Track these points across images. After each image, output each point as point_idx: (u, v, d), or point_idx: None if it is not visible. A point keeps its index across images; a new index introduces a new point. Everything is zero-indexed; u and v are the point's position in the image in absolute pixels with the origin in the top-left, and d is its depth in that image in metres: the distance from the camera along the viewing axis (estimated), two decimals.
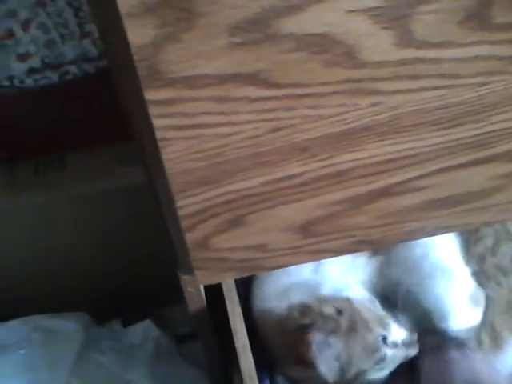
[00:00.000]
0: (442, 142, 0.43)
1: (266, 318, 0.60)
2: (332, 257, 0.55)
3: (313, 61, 0.35)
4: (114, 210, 0.78)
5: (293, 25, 0.33)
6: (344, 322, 0.57)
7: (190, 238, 0.45)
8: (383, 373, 0.58)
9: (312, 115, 0.38)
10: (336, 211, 0.47)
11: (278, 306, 0.59)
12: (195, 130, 0.36)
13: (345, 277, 0.61)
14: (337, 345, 0.56)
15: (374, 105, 0.38)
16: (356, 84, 0.36)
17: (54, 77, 0.78)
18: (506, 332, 0.58)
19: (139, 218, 0.77)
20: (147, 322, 0.86)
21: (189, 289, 0.55)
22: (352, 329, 0.57)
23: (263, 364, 0.66)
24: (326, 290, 0.59)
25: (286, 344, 0.58)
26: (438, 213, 0.50)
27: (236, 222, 0.45)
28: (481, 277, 0.58)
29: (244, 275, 0.56)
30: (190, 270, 0.50)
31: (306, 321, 0.57)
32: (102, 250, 0.85)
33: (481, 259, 0.59)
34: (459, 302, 0.56)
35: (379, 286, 0.60)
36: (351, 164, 0.42)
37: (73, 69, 0.77)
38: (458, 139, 0.43)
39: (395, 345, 0.56)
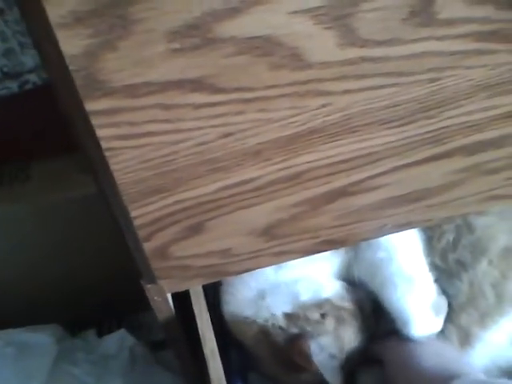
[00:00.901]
0: (395, 140, 0.43)
1: (244, 326, 0.60)
2: (296, 258, 0.54)
3: (257, 64, 0.34)
4: (81, 219, 0.77)
5: (234, 28, 0.32)
6: (330, 322, 0.58)
7: (148, 247, 0.44)
8: None
9: (262, 119, 0.37)
10: (296, 213, 0.46)
11: (256, 314, 0.59)
12: (142, 138, 0.35)
13: (318, 275, 0.61)
14: (328, 344, 0.57)
15: (323, 106, 0.38)
16: (304, 86, 0.36)
17: (13, 86, 0.77)
18: (473, 327, 0.58)
19: (106, 226, 0.75)
20: (122, 332, 0.85)
21: (155, 298, 0.54)
22: (338, 326, 0.58)
23: (236, 367, 0.66)
24: (305, 295, 0.59)
25: (272, 352, 0.59)
26: (398, 210, 0.50)
27: (195, 229, 0.45)
28: (443, 273, 0.58)
29: (210, 281, 0.55)
30: (152, 279, 0.49)
31: (294, 330, 0.58)
32: (71, 259, 0.83)
33: (443, 255, 0.59)
34: (420, 310, 0.56)
35: (347, 279, 0.61)
36: (306, 166, 0.42)
37: (32, 77, 0.76)
38: (411, 136, 0.43)
39: None
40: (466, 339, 0.58)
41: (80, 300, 0.86)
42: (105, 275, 0.83)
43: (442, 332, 0.58)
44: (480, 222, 0.60)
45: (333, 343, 0.58)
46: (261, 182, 0.42)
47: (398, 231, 0.55)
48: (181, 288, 0.54)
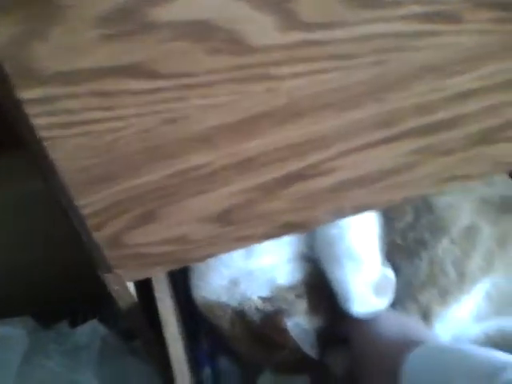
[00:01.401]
0: (345, 124, 0.43)
1: (218, 309, 0.60)
2: (257, 242, 0.54)
3: (196, 49, 0.34)
4: (46, 211, 0.76)
5: (169, 12, 0.32)
6: (303, 303, 0.59)
7: (99, 237, 0.44)
8: None
9: (206, 105, 0.37)
10: (251, 198, 0.46)
11: (230, 299, 0.60)
12: (81, 126, 0.35)
13: (291, 260, 0.61)
14: (302, 322, 0.59)
15: (269, 90, 0.37)
16: (246, 70, 0.36)
17: None
18: (433, 305, 0.59)
19: None
20: (94, 322, 0.85)
21: (115, 287, 0.54)
22: (314, 306, 0.59)
23: (205, 352, 0.67)
24: (281, 279, 0.60)
25: (248, 332, 0.59)
26: (355, 192, 0.50)
27: (147, 218, 0.44)
28: (403, 252, 0.59)
29: (172, 268, 0.55)
30: (108, 269, 0.49)
31: (271, 309, 0.58)
32: (39, 249, 0.83)
33: (403, 234, 0.59)
34: (361, 289, 0.57)
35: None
36: (256, 151, 0.42)
37: None
38: (360, 120, 0.43)
39: None
40: (426, 317, 0.59)
41: (53, 291, 0.85)
42: (77, 264, 0.82)
43: (404, 310, 0.59)
44: (441, 202, 0.61)
45: (306, 322, 0.59)
46: (210, 169, 0.42)
47: (357, 213, 0.55)
48: (140, 276, 0.54)
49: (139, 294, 0.59)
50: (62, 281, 0.86)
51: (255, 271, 0.59)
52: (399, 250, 0.60)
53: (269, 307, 0.58)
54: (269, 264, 0.60)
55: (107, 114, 0.35)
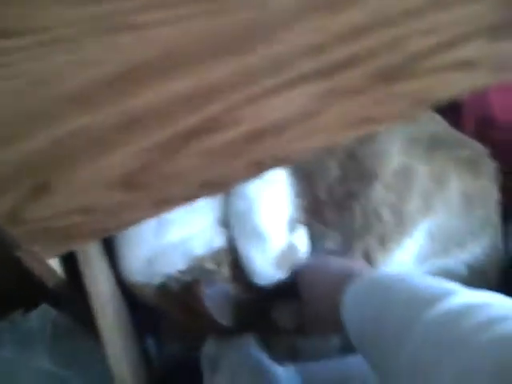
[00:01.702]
0: (234, 71, 0.41)
1: (142, 289, 0.60)
2: (179, 205, 0.53)
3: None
4: None
5: None
6: (226, 270, 0.59)
7: None
8: None
9: (71, 61, 0.35)
10: (150, 160, 0.45)
11: (151, 279, 0.59)
12: None
13: (208, 228, 0.60)
14: (226, 290, 0.59)
15: (136, 41, 0.35)
16: (104, 20, 0.34)
17: None
18: (373, 253, 0.58)
19: None
20: (44, 306, 0.84)
21: (34, 265, 0.52)
22: (235, 272, 0.59)
23: (147, 325, 0.66)
24: (199, 249, 0.59)
25: (175, 305, 0.60)
26: (266, 143, 0.49)
27: (41, 189, 0.43)
28: (330, 207, 0.58)
29: (91, 241, 0.54)
30: (19, 247, 0.47)
31: (190, 279, 0.58)
32: None
33: (329, 190, 0.58)
34: (264, 266, 0.57)
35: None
36: (142, 108, 0.40)
37: None
38: (250, 66, 0.41)
39: None
40: (369, 264, 0.58)
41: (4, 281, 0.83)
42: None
43: None
44: (366, 150, 0.60)
45: (232, 288, 0.60)
46: (97, 130, 0.40)
47: (275, 166, 0.54)
48: (58, 252, 0.53)
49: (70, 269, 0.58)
50: (11, 270, 0.84)
51: (170, 246, 0.58)
52: (328, 205, 0.59)
53: (188, 278, 0.57)
54: (183, 237, 0.59)
55: None
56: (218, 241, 0.59)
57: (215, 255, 0.59)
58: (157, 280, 0.59)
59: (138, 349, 0.65)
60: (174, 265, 0.58)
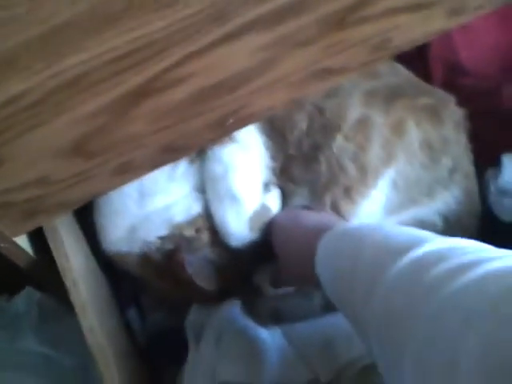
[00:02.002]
0: (173, 23, 0.40)
1: (124, 259, 0.60)
2: (143, 173, 0.52)
3: None
4: None
5: None
6: (205, 236, 0.59)
7: None
8: None
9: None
10: (100, 124, 0.44)
11: (132, 247, 0.60)
12: None
13: (187, 196, 0.60)
14: (205, 254, 0.59)
15: None
16: None
17: None
18: (340, 204, 0.58)
19: None
20: (29, 289, 0.84)
21: (1, 245, 0.52)
22: (213, 237, 0.59)
23: (128, 295, 0.66)
24: (179, 216, 0.59)
25: (157, 274, 0.60)
26: (222, 102, 0.48)
27: None
28: (299, 162, 0.58)
29: (56, 216, 0.53)
30: None
31: (170, 246, 0.58)
32: None
33: (297, 144, 0.58)
34: (238, 228, 0.58)
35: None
36: (80, 68, 0.39)
37: None
38: (187, 17, 0.40)
39: None
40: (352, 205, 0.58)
41: None
42: None
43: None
44: (329, 103, 0.59)
45: (211, 253, 0.60)
46: (35, 96, 0.39)
47: (242, 125, 0.53)
48: (25, 229, 0.52)
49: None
50: None
51: (151, 214, 0.59)
52: (296, 160, 0.59)
53: (169, 245, 0.58)
54: (164, 204, 0.59)
55: None
56: (196, 207, 0.59)
57: (193, 222, 0.59)
58: (138, 248, 0.59)
59: (119, 322, 0.65)
60: (155, 232, 0.59)
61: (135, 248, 0.59)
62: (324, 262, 0.46)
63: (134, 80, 0.42)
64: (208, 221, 0.60)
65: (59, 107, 0.40)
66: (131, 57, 0.40)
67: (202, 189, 0.60)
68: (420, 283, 0.33)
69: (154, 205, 0.59)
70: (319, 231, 0.48)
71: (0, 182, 0.44)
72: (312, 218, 0.56)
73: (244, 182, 0.58)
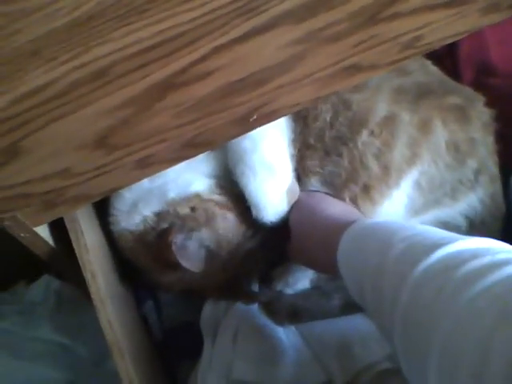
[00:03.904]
0: (200, 16, 0.39)
1: (123, 238, 0.59)
2: (163, 168, 0.51)
3: None
4: None
5: None
6: (200, 216, 0.57)
7: None
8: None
9: (16, 11, 0.33)
10: (124, 117, 0.43)
11: (130, 223, 0.58)
12: None
13: (187, 174, 0.59)
14: (199, 237, 0.56)
15: None
16: None
17: None
18: (358, 202, 0.57)
19: None
20: (46, 277, 0.84)
21: (21, 234, 0.52)
22: (209, 218, 0.57)
23: (145, 290, 0.66)
24: (173, 192, 0.58)
25: (150, 256, 0.58)
26: (247, 97, 0.47)
27: (11, 153, 0.41)
28: (317, 152, 0.56)
29: (76, 208, 0.53)
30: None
31: (165, 225, 0.56)
32: None
33: (319, 134, 0.57)
34: (276, 199, 0.56)
35: (222, 178, 0.59)
36: (107, 60, 0.38)
37: None
38: (217, 9, 0.39)
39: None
40: (370, 198, 0.57)
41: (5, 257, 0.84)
42: None
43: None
44: (357, 97, 0.58)
45: (207, 235, 0.57)
46: (60, 87, 0.38)
47: (266, 122, 0.52)
48: (45, 220, 0.52)
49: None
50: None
51: (154, 189, 0.57)
52: (314, 150, 0.58)
53: (163, 224, 0.56)
54: (166, 180, 0.57)
55: None
56: (195, 186, 0.58)
57: (189, 199, 0.57)
58: (134, 225, 0.58)
59: (135, 315, 0.64)
60: (152, 208, 0.57)
61: (132, 224, 0.58)
62: (348, 254, 0.45)
63: (161, 73, 0.41)
64: (204, 201, 0.58)
65: (84, 99, 0.40)
66: (158, 49, 0.39)
67: (213, 174, 0.59)
68: (452, 278, 0.33)
69: (161, 180, 0.58)
70: (344, 221, 0.47)
71: (22, 173, 0.43)
72: (338, 205, 0.55)
73: (277, 153, 0.56)
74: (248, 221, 0.58)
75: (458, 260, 0.34)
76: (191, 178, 0.58)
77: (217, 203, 0.57)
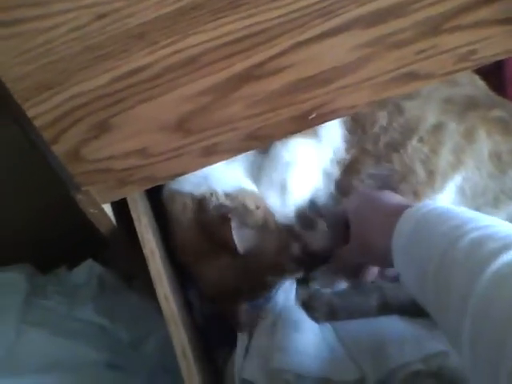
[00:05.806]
0: (285, 14, 0.42)
1: (178, 198, 0.62)
2: (226, 158, 0.55)
3: None
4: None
5: None
6: (260, 216, 0.61)
7: (58, 150, 0.45)
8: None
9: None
10: (204, 103, 0.47)
11: (195, 189, 0.61)
12: (11, 27, 0.35)
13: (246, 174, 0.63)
14: (251, 235, 0.60)
15: None
16: None
17: None
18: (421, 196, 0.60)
19: None
20: (89, 262, 0.87)
21: (91, 210, 0.55)
22: (265, 225, 0.61)
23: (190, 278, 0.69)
24: (244, 177, 0.62)
25: (199, 227, 0.61)
26: (312, 94, 0.50)
27: (101, 128, 0.45)
28: (372, 156, 0.60)
29: (143, 188, 0.56)
30: (76, 187, 0.50)
31: (229, 204, 0.60)
32: (34, 201, 0.84)
33: (375, 140, 0.60)
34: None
35: None
36: (199, 48, 0.42)
37: None
38: (301, 9, 0.42)
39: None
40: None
41: (49, 242, 0.87)
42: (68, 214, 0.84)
43: None
44: (410, 105, 0.61)
45: (256, 239, 0.61)
46: (155, 70, 0.42)
47: (323, 121, 0.55)
48: (113, 197, 0.55)
49: (121, 220, 0.61)
50: (59, 227, 0.87)
51: (228, 169, 0.61)
52: (369, 155, 0.61)
53: (225, 209, 0.59)
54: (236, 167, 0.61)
55: (36, 10, 0.35)
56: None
57: (256, 197, 0.61)
58: (198, 192, 0.61)
59: (183, 298, 0.67)
60: (223, 185, 0.61)
61: (197, 191, 0.61)
62: (407, 234, 0.44)
63: (241, 64, 0.45)
64: (267, 207, 0.62)
65: (173, 83, 0.43)
66: (243, 42, 0.43)
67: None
68: None
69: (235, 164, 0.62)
70: (404, 205, 0.48)
71: (107, 148, 0.47)
72: (397, 196, 0.55)
73: (299, 179, 0.61)
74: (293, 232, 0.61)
75: None
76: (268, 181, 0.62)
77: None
